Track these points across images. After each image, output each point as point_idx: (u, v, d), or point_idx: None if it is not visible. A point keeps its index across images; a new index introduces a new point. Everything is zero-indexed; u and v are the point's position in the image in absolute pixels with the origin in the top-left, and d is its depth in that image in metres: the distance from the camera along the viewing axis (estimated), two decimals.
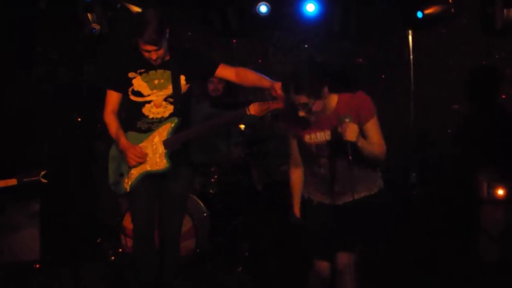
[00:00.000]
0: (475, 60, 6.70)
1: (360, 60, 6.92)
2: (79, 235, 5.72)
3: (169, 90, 4.13)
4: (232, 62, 6.88)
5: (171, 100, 4.14)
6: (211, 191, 5.85)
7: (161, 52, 4.00)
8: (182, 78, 4.16)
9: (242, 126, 5.62)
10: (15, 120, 6.76)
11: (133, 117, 4.17)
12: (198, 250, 5.41)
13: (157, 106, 4.13)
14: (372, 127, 3.67)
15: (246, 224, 5.82)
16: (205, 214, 5.61)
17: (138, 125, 4.16)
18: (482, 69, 6.20)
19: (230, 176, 5.93)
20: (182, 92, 4.17)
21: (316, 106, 3.55)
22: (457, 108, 6.71)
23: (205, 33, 7.00)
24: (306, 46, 7.00)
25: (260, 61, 7.06)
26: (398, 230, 5.92)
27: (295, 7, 6.69)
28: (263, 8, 6.48)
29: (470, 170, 5.98)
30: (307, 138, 3.76)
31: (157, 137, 4.11)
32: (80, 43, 6.56)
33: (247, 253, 5.52)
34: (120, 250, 5.58)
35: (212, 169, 5.87)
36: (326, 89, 3.57)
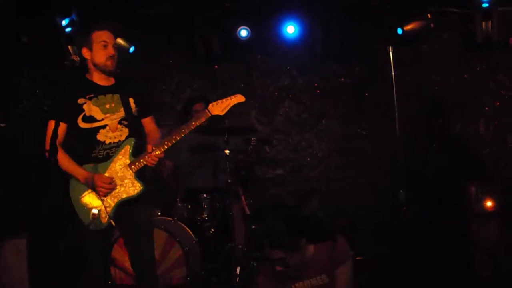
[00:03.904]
0: (457, 74, 6.72)
1: (343, 79, 6.94)
2: (67, 268, 5.64)
3: (121, 113, 4.05)
4: (215, 87, 6.96)
5: (125, 122, 4.06)
6: (199, 218, 5.80)
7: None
8: (131, 100, 4.11)
9: (227, 152, 5.57)
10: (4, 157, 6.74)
11: (87, 147, 4.00)
12: (188, 278, 5.36)
13: (113, 130, 4.02)
14: (342, 275, 3.60)
15: (236, 250, 5.77)
16: (194, 242, 5.57)
17: (94, 154, 3.99)
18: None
19: (218, 202, 5.88)
20: (133, 114, 4.13)
21: (293, 259, 3.49)
22: (441, 123, 6.72)
23: (187, 59, 7.00)
24: (288, 68, 7.01)
25: (242, 85, 7.05)
26: (390, 249, 5.89)
27: (276, 30, 6.73)
28: (243, 32, 6.52)
29: (458, 184, 5.99)
30: None
31: (118, 163, 3.99)
32: (64, 76, 6.53)
33: (238, 279, 5.46)
34: (110, 282, 5.51)
35: (200, 196, 5.83)
36: (303, 241, 3.53)
